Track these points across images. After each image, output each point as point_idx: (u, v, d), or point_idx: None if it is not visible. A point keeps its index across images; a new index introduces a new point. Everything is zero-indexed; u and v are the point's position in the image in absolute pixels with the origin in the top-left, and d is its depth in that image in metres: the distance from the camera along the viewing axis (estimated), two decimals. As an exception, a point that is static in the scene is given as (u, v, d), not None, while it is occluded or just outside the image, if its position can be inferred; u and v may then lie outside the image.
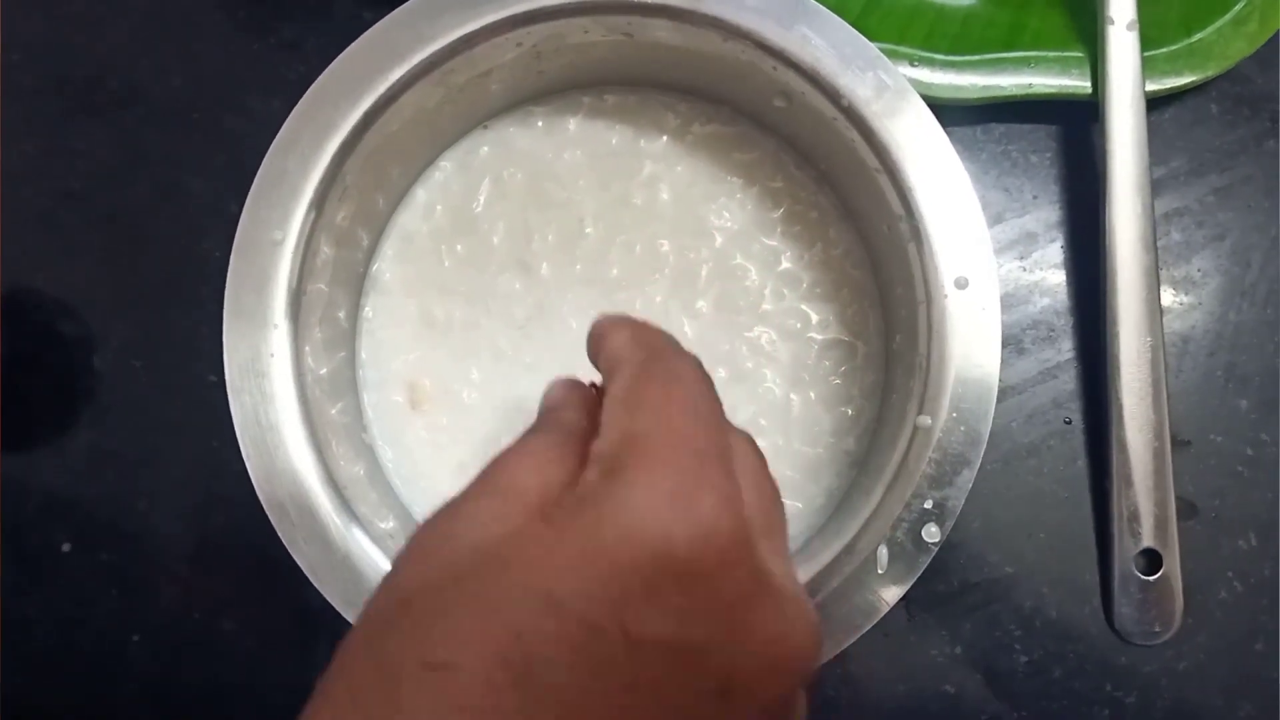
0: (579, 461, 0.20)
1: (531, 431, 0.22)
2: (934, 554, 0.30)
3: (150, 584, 0.37)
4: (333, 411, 0.32)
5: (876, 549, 0.30)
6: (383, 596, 0.19)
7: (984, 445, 0.30)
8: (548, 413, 0.23)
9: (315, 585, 0.29)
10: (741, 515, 0.19)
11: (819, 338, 0.36)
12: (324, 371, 0.33)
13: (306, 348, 0.32)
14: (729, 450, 0.20)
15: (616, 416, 0.20)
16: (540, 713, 0.16)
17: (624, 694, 0.17)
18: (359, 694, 0.17)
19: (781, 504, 0.22)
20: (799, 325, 0.36)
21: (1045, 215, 0.40)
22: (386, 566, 0.30)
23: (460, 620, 0.17)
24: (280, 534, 0.30)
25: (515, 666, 0.17)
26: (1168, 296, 0.39)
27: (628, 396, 0.20)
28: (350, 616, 0.29)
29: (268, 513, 0.30)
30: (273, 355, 0.30)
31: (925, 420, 0.30)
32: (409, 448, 0.35)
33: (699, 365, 0.22)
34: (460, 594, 0.18)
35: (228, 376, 0.30)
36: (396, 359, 0.36)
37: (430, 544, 0.20)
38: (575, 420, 0.22)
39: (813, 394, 0.36)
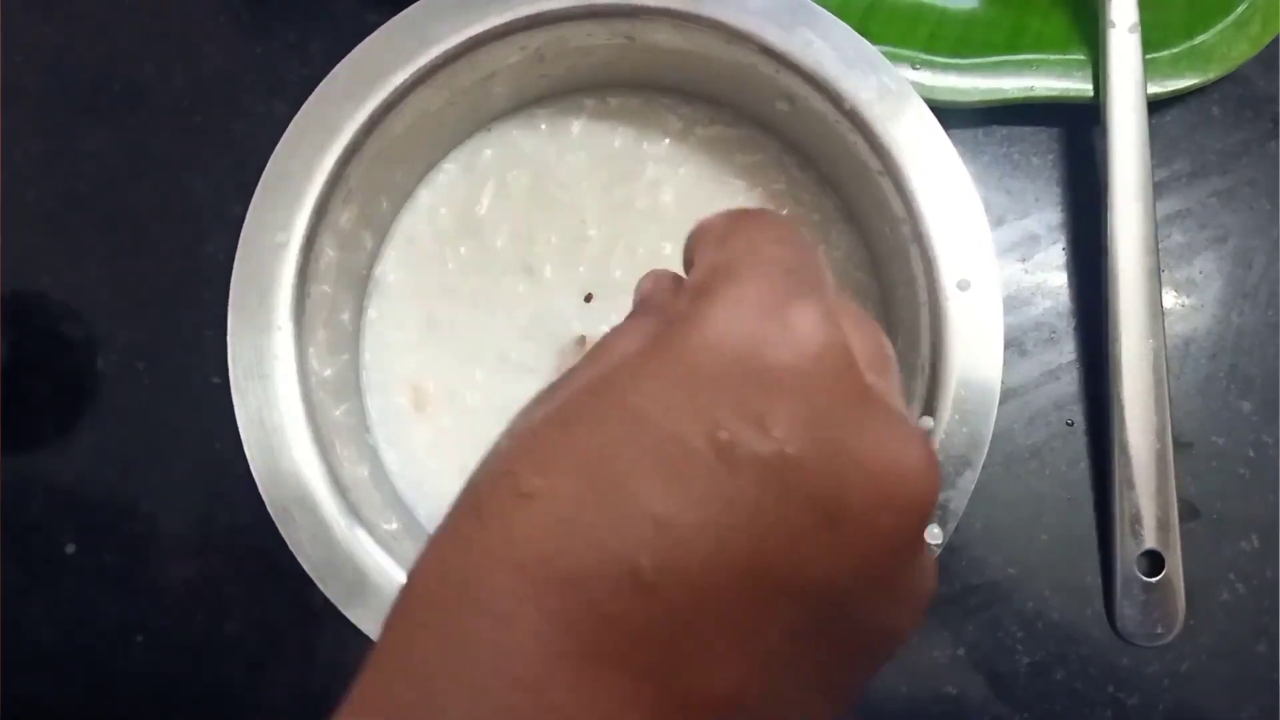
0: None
1: (628, 319, 0.21)
2: (936, 555, 0.30)
3: (153, 585, 0.37)
4: (336, 413, 0.32)
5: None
6: (495, 448, 0.19)
7: (986, 447, 0.30)
8: (641, 302, 0.23)
9: (319, 586, 0.30)
10: (839, 329, 0.17)
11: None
12: (328, 374, 0.33)
13: (310, 350, 0.32)
14: (825, 279, 0.19)
15: (706, 254, 0.19)
16: (628, 535, 0.16)
17: (722, 514, 0.16)
18: (458, 524, 0.18)
19: (890, 348, 0.21)
20: (801, 327, 0.36)
21: (1047, 217, 0.40)
22: (390, 568, 0.30)
23: (560, 447, 0.17)
24: (284, 535, 0.30)
25: (601, 486, 0.16)
26: (1169, 298, 0.39)
27: (718, 237, 0.20)
28: (353, 618, 0.29)
29: (271, 514, 0.30)
30: (276, 357, 0.30)
31: (928, 422, 0.30)
32: (412, 450, 0.36)
33: (787, 220, 0.22)
34: (567, 421, 0.17)
35: (232, 378, 0.30)
36: (400, 361, 0.36)
37: (537, 400, 0.20)
38: (669, 300, 0.21)
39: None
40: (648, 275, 0.24)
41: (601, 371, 0.18)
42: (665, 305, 0.21)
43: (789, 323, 0.17)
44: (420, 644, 0.17)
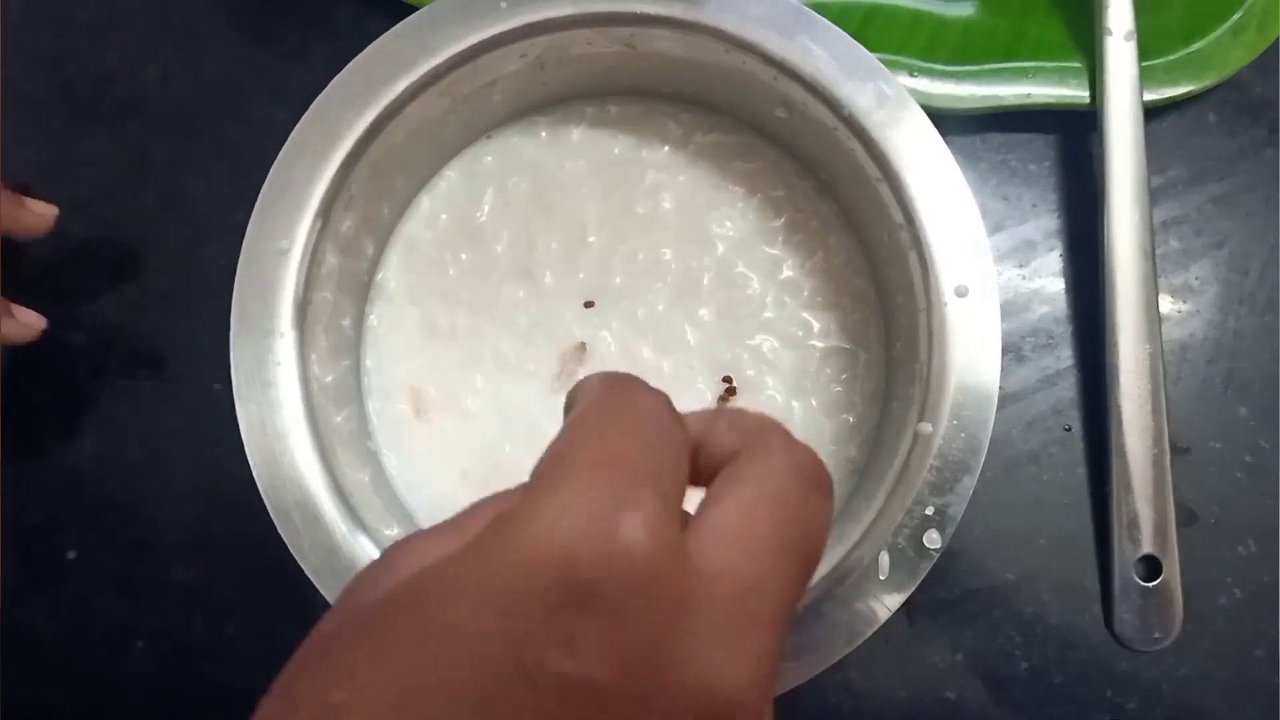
0: None
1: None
2: (935, 560, 0.30)
3: (155, 590, 0.38)
4: (338, 419, 0.33)
5: (878, 555, 0.30)
6: (317, 628, 0.19)
7: (984, 452, 0.30)
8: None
9: (320, 591, 0.30)
10: (667, 539, 0.17)
11: (820, 345, 0.36)
12: (329, 379, 0.33)
13: (312, 356, 0.32)
14: (680, 472, 0.18)
15: (555, 438, 0.19)
16: None
17: None
18: None
19: (812, 535, 0.19)
20: (800, 333, 0.36)
21: (1044, 224, 0.40)
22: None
23: (362, 658, 0.16)
24: (286, 540, 0.30)
25: (408, 711, 0.15)
26: (1166, 304, 0.39)
27: (573, 420, 0.19)
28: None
29: (274, 519, 0.30)
30: (279, 363, 0.31)
31: (926, 427, 0.30)
32: (413, 455, 0.36)
33: (661, 396, 0.20)
34: (375, 629, 0.17)
35: (234, 385, 0.31)
36: (401, 367, 0.36)
37: (371, 576, 0.19)
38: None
39: (814, 401, 0.36)
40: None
41: (417, 575, 0.17)
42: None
43: (609, 535, 0.16)
44: None
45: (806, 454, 0.20)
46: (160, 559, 0.38)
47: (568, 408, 0.22)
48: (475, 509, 0.19)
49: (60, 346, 0.39)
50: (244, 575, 0.37)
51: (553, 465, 0.18)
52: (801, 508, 0.19)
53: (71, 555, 0.38)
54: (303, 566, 0.30)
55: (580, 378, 0.23)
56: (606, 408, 0.19)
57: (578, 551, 0.16)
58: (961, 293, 0.31)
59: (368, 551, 0.30)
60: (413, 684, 0.15)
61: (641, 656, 0.16)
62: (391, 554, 0.19)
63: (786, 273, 0.37)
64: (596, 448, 0.18)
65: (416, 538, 0.19)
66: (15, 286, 0.36)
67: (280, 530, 0.30)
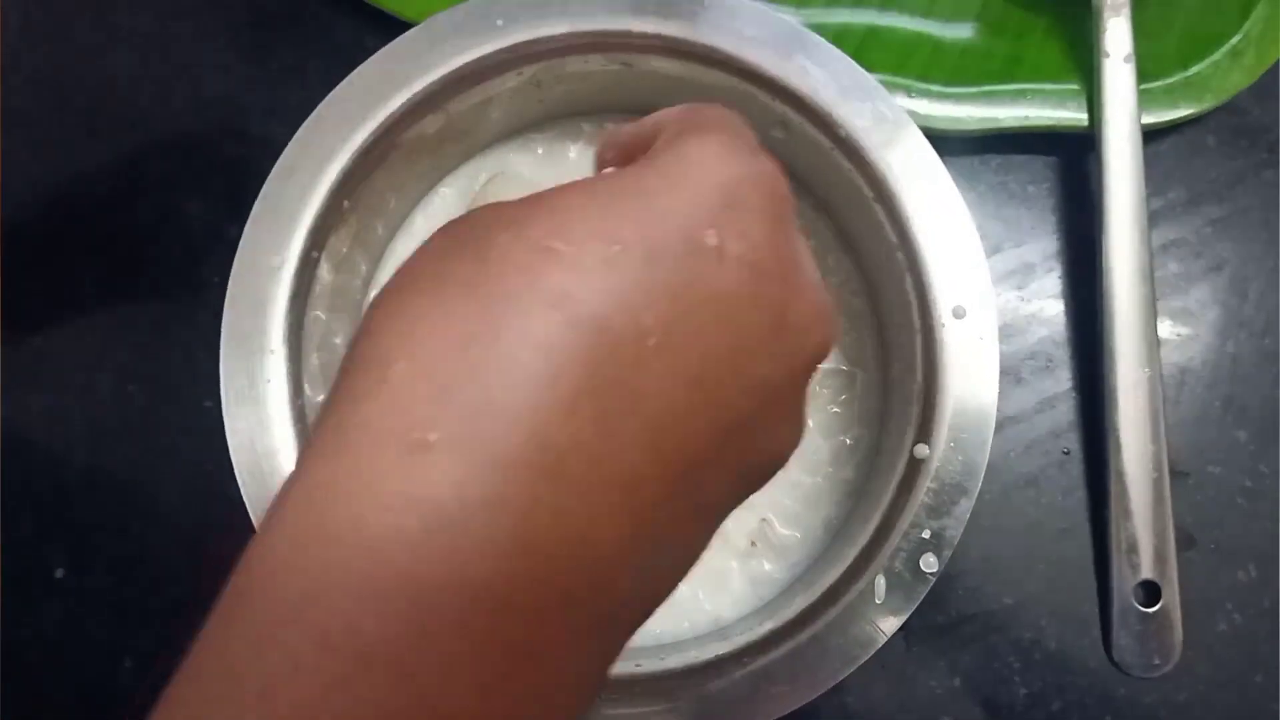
0: None
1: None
2: (932, 584, 0.29)
3: (143, 609, 0.37)
4: (329, 438, 0.32)
5: (874, 579, 0.29)
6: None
7: (982, 475, 0.30)
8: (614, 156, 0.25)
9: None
10: (783, 177, 0.20)
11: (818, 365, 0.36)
12: (320, 398, 0.32)
13: (303, 374, 0.32)
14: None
15: (669, 120, 0.21)
16: (645, 303, 0.17)
17: (711, 303, 0.18)
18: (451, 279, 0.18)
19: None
20: (797, 354, 0.36)
21: (1043, 246, 0.40)
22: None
23: (575, 218, 0.18)
24: (274, 561, 0.29)
25: (631, 252, 0.17)
26: (1165, 328, 0.39)
27: (677, 113, 0.22)
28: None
29: (262, 539, 0.30)
30: (269, 381, 0.30)
31: (923, 450, 0.30)
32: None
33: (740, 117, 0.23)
34: (582, 199, 0.18)
35: (224, 402, 0.30)
36: (394, 385, 0.36)
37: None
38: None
39: (811, 422, 0.36)
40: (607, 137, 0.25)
41: (591, 179, 0.19)
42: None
43: (756, 167, 0.19)
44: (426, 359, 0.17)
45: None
46: (149, 577, 0.37)
47: (651, 126, 0.23)
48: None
49: (51, 361, 0.39)
50: (233, 595, 0.37)
51: (686, 125, 0.20)
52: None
53: (60, 573, 0.37)
54: (291, 587, 0.29)
55: None
56: (699, 106, 0.22)
57: (734, 170, 0.19)
58: (959, 314, 0.31)
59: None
60: (623, 237, 0.17)
61: (785, 258, 0.19)
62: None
63: (783, 293, 0.36)
64: (716, 120, 0.21)
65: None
66: (9, 298, 0.36)
67: (269, 550, 0.29)
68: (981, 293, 0.31)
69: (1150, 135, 0.38)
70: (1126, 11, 0.38)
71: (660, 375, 0.17)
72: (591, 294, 0.17)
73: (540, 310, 0.16)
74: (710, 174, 0.19)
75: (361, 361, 0.17)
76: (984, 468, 0.30)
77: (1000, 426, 0.37)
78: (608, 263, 0.17)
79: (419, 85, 0.32)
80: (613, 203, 0.18)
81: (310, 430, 0.17)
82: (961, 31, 0.40)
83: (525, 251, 0.17)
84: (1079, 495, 0.38)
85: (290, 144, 0.32)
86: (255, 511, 0.30)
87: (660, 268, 0.17)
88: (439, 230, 0.19)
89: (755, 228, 0.19)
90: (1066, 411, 0.38)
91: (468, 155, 0.37)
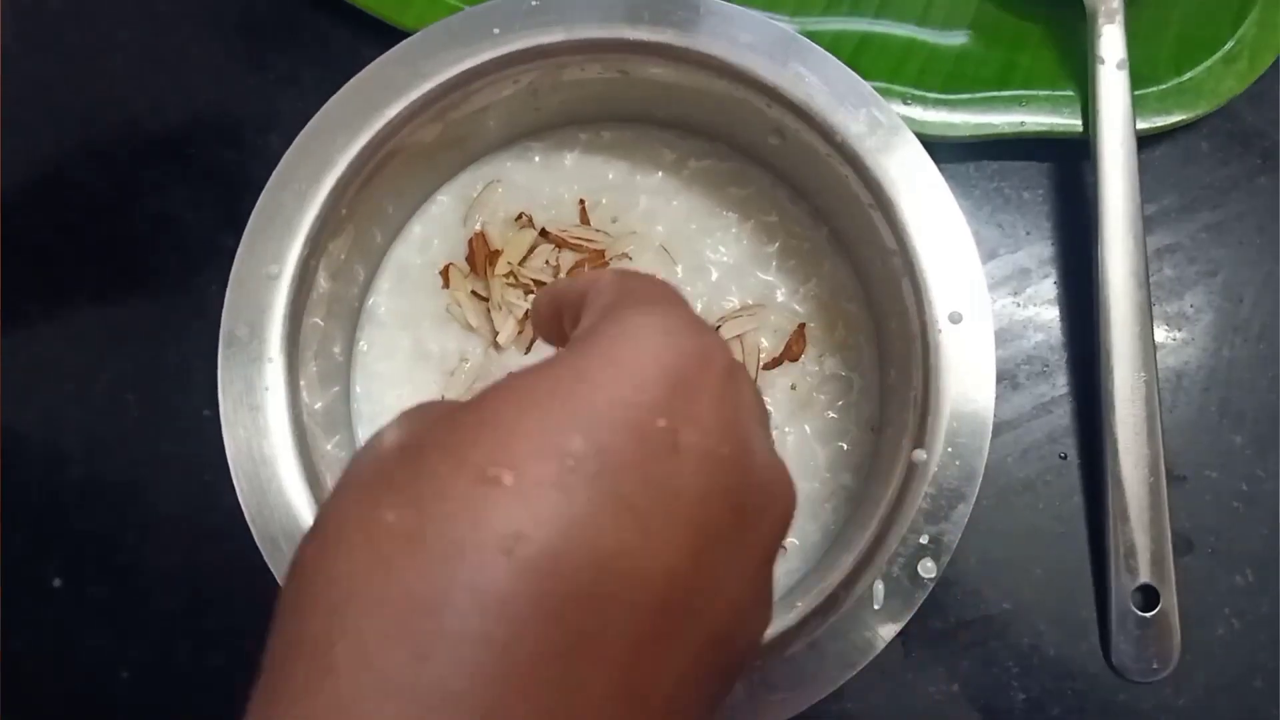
0: None
1: None
2: (930, 590, 0.29)
3: (140, 619, 0.37)
4: (328, 446, 0.32)
5: (872, 585, 0.29)
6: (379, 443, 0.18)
7: (979, 480, 0.30)
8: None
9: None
10: (730, 352, 0.19)
11: (814, 371, 0.36)
12: (318, 406, 0.32)
13: (301, 381, 0.31)
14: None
15: (600, 292, 0.20)
16: (604, 519, 0.16)
17: (670, 507, 0.17)
18: (393, 521, 0.16)
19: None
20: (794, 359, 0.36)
21: (1039, 251, 0.40)
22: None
23: (519, 434, 0.16)
24: (273, 568, 0.29)
25: (577, 474, 0.16)
26: (1161, 332, 0.39)
27: (607, 283, 0.21)
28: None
29: (260, 547, 0.29)
30: (267, 389, 0.30)
31: (921, 455, 0.30)
32: (403, 482, 0.35)
33: (674, 288, 0.22)
34: (523, 405, 0.17)
35: (222, 410, 0.30)
36: (391, 393, 0.36)
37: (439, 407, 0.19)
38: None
39: (808, 428, 0.36)
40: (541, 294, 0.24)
41: (524, 372, 0.18)
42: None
43: (702, 343, 0.18)
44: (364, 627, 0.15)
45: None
46: (146, 587, 0.37)
47: (580, 293, 0.22)
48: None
49: (47, 369, 0.39)
50: (230, 604, 0.36)
51: (621, 298, 0.19)
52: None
53: (57, 583, 0.37)
54: (289, 595, 0.29)
55: None
56: (634, 288, 0.21)
57: (680, 350, 0.18)
58: (956, 319, 0.31)
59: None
60: (572, 449, 0.16)
61: (741, 439, 0.18)
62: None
63: (780, 298, 0.36)
64: (648, 288, 0.20)
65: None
66: (6, 306, 0.36)
67: (267, 559, 0.29)
68: (978, 299, 0.31)
69: (1145, 141, 0.39)
70: (1120, 18, 0.38)
71: (625, 604, 0.16)
72: (542, 528, 0.15)
73: (490, 558, 0.15)
74: (655, 353, 0.18)
75: (295, 645, 0.16)
76: (981, 473, 0.30)
77: (997, 431, 0.37)
78: (557, 487, 0.16)
79: (416, 93, 0.32)
80: (555, 405, 0.17)
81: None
82: (956, 38, 0.40)
83: (467, 485, 0.16)
84: (1076, 500, 0.38)
85: (288, 152, 0.32)
86: (253, 519, 0.30)
87: (614, 479, 0.16)
88: (364, 453, 0.18)
89: (707, 411, 0.18)
90: (1063, 416, 0.38)
91: (465, 163, 0.37)
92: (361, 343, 0.36)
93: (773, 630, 0.30)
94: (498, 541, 0.15)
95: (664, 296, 0.20)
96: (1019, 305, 0.39)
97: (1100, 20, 0.38)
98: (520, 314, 0.36)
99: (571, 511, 0.16)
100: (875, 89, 0.32)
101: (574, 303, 0.21)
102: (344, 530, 0.16)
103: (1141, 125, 0.38)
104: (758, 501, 0.18)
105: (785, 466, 0.19)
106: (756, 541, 0.18)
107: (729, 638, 0.18)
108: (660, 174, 0.37)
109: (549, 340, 0.24)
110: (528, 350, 0.36)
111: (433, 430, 0.17)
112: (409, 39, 0.33)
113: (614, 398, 0.17)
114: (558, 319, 0.23)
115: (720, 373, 0.18)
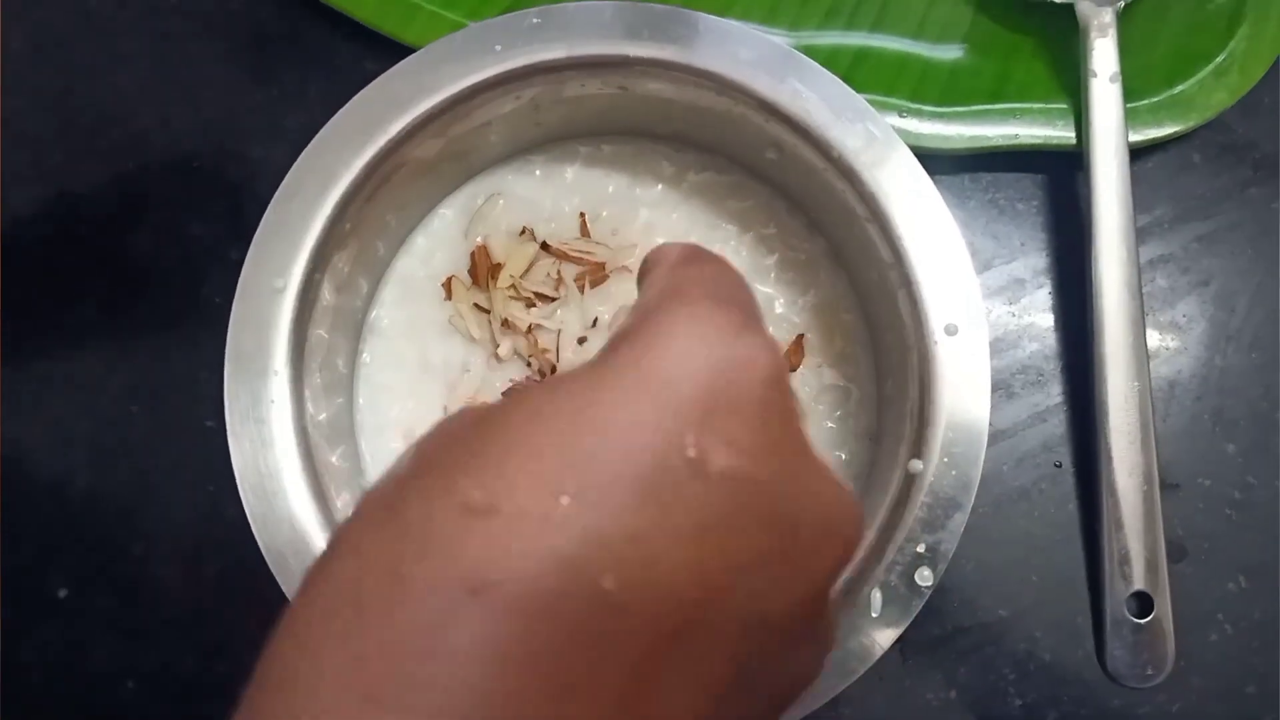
0: None
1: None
2: (927, 598, 0.30)
3: (146, 629, 0.37)
4: (332, 458, 0.33)
5: (870, 593, 0.30)
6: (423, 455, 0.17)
7: (975, 489, 0.30)
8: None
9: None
10: (778, 359, 0.17)
11: (813, 382, 0.36)
12: (322, 417, 0.33)
13: (306, 393, 0.32)
14: (761, 313, 0.19)
15: (657, 277, 0.19)
16: (598, 552, 0.15)
17: (696, 533, 0.15)
18: (380, 544, 0.15)
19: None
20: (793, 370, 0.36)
21: (1033, 262, 0.40)
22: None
23: (512, 455, 0.15)
24: (279, 580, 0.30)
25: (567, 498, 0.15)
26: (1154, 341, 0.40)
27: (670, 263, 0.20)
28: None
29: (266, 559, 0.30)
30: (273, 401, 0.31)
31: (917, 465, 0.31)
32: (406, 492, 0.36)
33: (734, 269, 0.21)
34: (501, 433, 0.16)
35: (228, 422, 0.31)
36: (395, 405, 0.36)
37: (466, 414, 0.17)
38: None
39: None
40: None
41: (550, 382, 0.17)
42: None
43: (744, 349, 0.17)
44: (333, 668, 0.15)
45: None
46: (152, 598, 0.37)
47: (645, 271, 0.21)
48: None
49: (53, 381, 0.39)
50: (235, 614, 0.37)
51: (667, 296, 0.18)
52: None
53: (63, 594, 0.38)
54: (295, 605, 0.30)
55: None
56: (694, 260, 0.20)
57: (718, 360, 0.16)
58: (951, 331, 0.31)
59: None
60: (574, 474, 0.15)
61: (786, 461, 0.17)
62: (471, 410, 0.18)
63: (779, 309, 0.37)
64: (703, 283, 0.18)
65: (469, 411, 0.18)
66: (11, 318, 0.36)
67: (273, 569, 0.30)
68: (973, 310, 0.31)
69: (1137, 153, 0.39)
70: (1113, 31, 0.38)
71: (623, 640, 0.15)
72: (525, 565, 0.14)
73: (459, 600, 0.14)
74: (690, 365, 0.16)
75: (268, 690, 0.16)
76: (977, 482, 0.30)
77: (993, 440, 0.37)
78: (548, 520, 0.15)
79: (420, 109, 0.32)
80: (566, 428, 0.15)
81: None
82: (950, 52, 0.40)
83: (453, 516, 0.15)
84: (1071, 508, 0.38)
85: (293, 167, 0.32)
86: (259, 531, 0.30)
87: (618, 510, 0.15)
88: (386, 471, 0.17)
89: (745, 431, 0.16)
90: (1058, 425, 0.39)
91: (467, 176, 0.38)
92: (365, 354, 0.37)
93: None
94: (468, 583, 0.14)
95: (716, 291, 0.18)
96: (1014, 315, 0.40)
97: (1093, 34, 0.38)
98: (524, 327, 0.36)
99: (560, 547, 0.14)
100: (871, 102, 0.33)
101: (645, 274, 0.20)
102: (332, 559, 0.16)
103: (1134, 137, 0.39)
104: (810, 535, 0.17)
105: (849, 491, 0.18)
106: (805, 571, 0.17)
107: (765, 669, 0.17)
108: (660, 187, 0.38)
109: None
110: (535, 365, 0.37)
111: (441, 448, 0.16)
112: (413, 55, 0.33)
113: (634, 419, 0.16)
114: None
115: (766, 384, 0.17)
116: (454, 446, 0.16)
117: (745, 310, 0.18)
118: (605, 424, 0.16)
